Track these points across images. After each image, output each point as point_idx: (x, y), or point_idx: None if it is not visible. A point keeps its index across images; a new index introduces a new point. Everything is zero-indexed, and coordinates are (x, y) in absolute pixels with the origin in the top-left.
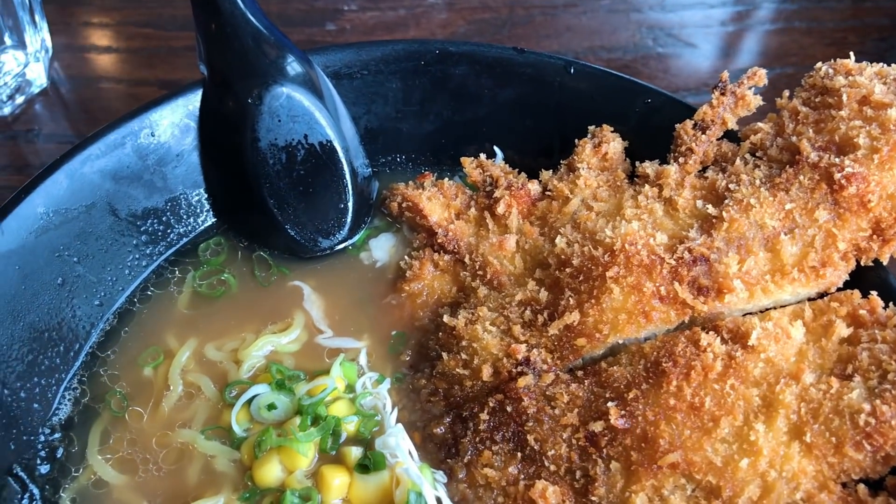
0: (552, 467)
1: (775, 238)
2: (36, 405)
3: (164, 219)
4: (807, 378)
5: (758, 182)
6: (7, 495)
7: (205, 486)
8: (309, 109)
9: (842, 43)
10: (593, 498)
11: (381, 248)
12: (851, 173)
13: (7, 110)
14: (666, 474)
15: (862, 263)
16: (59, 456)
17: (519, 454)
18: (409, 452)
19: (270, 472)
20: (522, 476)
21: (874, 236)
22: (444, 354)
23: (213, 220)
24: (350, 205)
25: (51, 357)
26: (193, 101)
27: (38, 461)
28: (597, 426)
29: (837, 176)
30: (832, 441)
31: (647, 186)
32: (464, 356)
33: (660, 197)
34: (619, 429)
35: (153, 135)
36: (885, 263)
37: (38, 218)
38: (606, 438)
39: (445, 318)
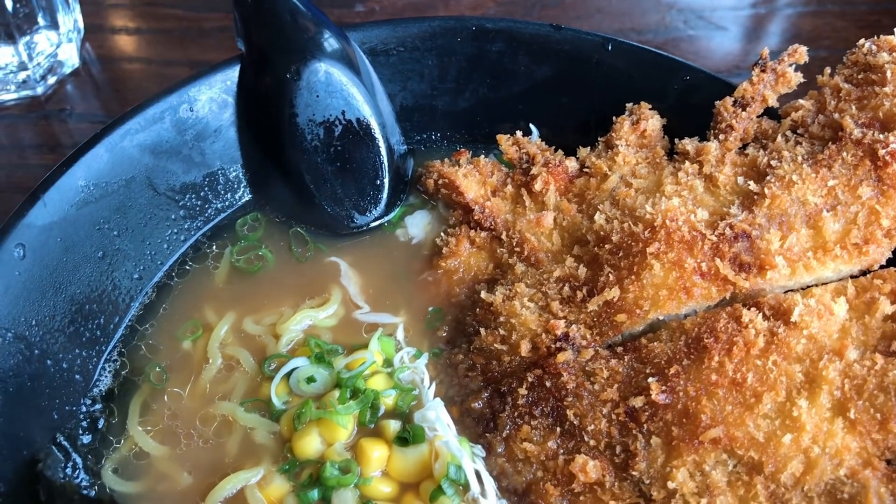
0: (592, 442)
1: (818, 215)
2: (77, 376)
3: (201, 194)
4: (850, 354)
5: (800, 159)
6: (51, 463)
7: (244, 458)
8: (346, 85)
9: (875, 26)
10: (633, 473)
11: (417, 225)
12: None
13: (40, 90)
14: (707, 450)
15: None
16: (100, 427)
17: (558, 429)
18: (448, 426)
19: (310, 445)
20: (562, 451)
21: None
22: (482, 330)
23: (250, 195)
24: (386, 181)
25: (91, 329)
26: (231, 76)
27: (81, 431)
28: (637, 401)
29: (882, 152)
30: (877, 417)
31: (686, 163)
32: (502, 332)
33: (700, 174)
34: (659, 404)
35: (192, 110)
36: None
37: (80, 191)
38: (647, 414)
39: (483, 295)
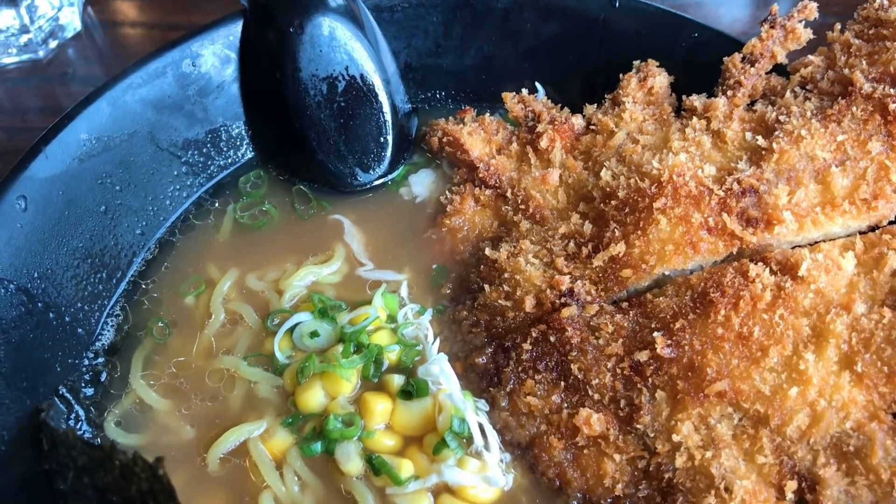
0: (596, 396)
1: (826, 170)
2: (80, 330)
3: (204, 150)
4: (858, 308)
5: (808, 114)
6: (54, 414)
7: (247, 412)
8: (350, 40)
9: None
10: (638, 426)
11: (421, 183)
12: None
13: (42, 53)
14: (713, 403)
15: None
16: (102, 380)
17: (562, 383)
18: (452, 379)
19: (313, 398)
20: (566, 405)
21: None
22: (486, 286)
23: (253, 153)
24: (390, 139)
25: (94, 283)
26: (234, 31)
27: (83, 384)
28: (642, 356)
29: (892, 106)
30: (884, 371)
31: (694, 119)
32: (506, 288)
33: (708, 129)
34: (664, 358)
35: (194, 65)
36: None
37: (82, 144)
38: (652, 368)
39: (487, 252)
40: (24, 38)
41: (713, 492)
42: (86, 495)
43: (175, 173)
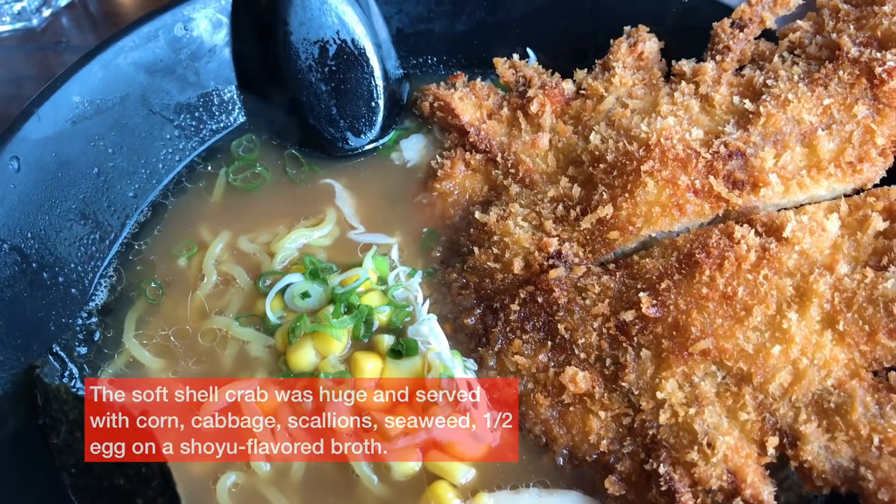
0: (582, 355)
1: (812, 133)
2: (73, 290)
3: (196, 114)
4: (841, 269)
5: (796, 78)
6: (48, 371)
7: (239, 370)
8: (341, 4)
9: None
10: (623, 384)
11: (412, 148)
12: (893, 67)
13: (35, 22)
14: (697, 361)
15: None
16: (96, 339)
17: (549, 343)
18: (441, 338)
19: (304, 357)
20: (552, 363)
21: None
22: (476, 249)
23: (245, 118)
24: (381, 103)
25: (87, 244)
26: None
27: (77, 343)
28: (628, 315)
29: (878, 70)
30: (865, 329)
31: (683, 84)
32: (495, 251)
33: (696, 94)
34: (650, 317)
35: (186, 29)
36: None
37: (74, 107)
38: (637, 327)
39: (477, 215)
40: (17, 7)
41: (696, 447)
42: (78, 448)
43: (167, 136)
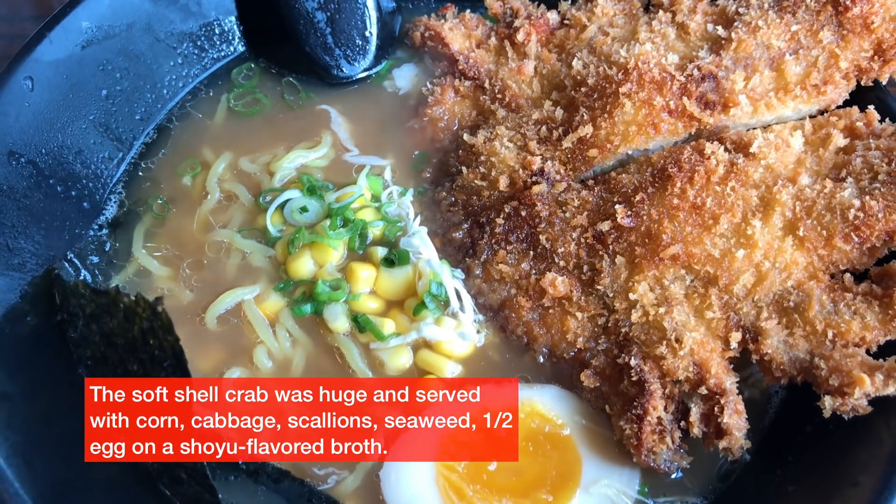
0: (561, 263)
1: (780, 58)
2: (86, 204)
3: (198, 43)
4: (803, 180)
5: (766, 5)
6: (64, 275)
7: (242, 278)
8: None
9: None
10: (598, 287)
11: (404, 77)
12: None
13: None
14: (667, 266)
15: (862, 84)
16: (107, 250)
17: (531, 252)
18: (430, 247)
19: (303, 266)
20: (534, 271)
21: (875, 57)
22: (464, 169)
23: (245, 47)
24: (374, 32)
25: (97, 162)
26: None
27: (90, 252)
28: (604, 226)
29: None
30: (823, 234)
31: (661, 13)
32: (482, 170)
33: (673, 22)
34: (624, 227)
35: None
36: (884, 84)
37: (83, 31)
38: (613, 236)
39: (465, 137)
40: None
41: (665, 343)
42: (93, 341)
43: (171, 64)
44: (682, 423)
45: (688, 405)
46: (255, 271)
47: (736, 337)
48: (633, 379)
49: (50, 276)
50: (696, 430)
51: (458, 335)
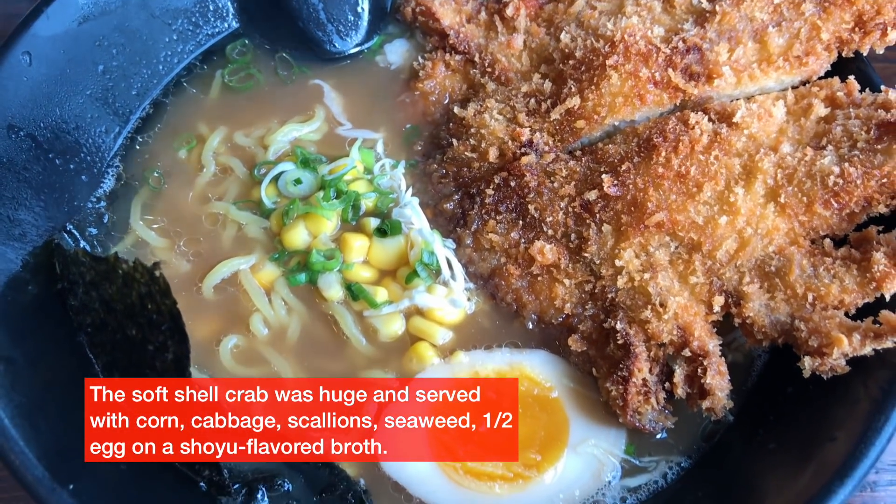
0: (550, 231)
1: (763, 30)
2: (84, 177)
3: (193, 19)
4: (784, 149)
5: None
6: (65, 244)
7: (237, 249)
8: None
9: None
10: (585, 255)
11: (396, 52)
12: None
13: None
14: (652, 233)
15: (843, 55)
16: (105, 222)
17: (520, 222)
18: (422, 217)
19: (297, 236)
20: (523, 240)
21: (856, 28)
22: (455, 141)
23: (239, 24)
24: (365, 6)
25: (94, 137)
26: None
27: (88, 223)
28: (591, 195)
29: None
30: (804, 201)
31: None
32: (472, 142)
33: None
34: (611, 196)
35: None
36: (864, 55)
37: (80, 7)
38: (599, 205)
39: (456, 110)
40: None
41: (650, 307)
42: (93, 308)
43: (167, 40)
44: (667, 385)
45: (672, 367)
46: (250, 242)
47: (719, 301)
48: (619, 342)
49: (50, 247)
50: (681, 391)
51: (450, 302)
